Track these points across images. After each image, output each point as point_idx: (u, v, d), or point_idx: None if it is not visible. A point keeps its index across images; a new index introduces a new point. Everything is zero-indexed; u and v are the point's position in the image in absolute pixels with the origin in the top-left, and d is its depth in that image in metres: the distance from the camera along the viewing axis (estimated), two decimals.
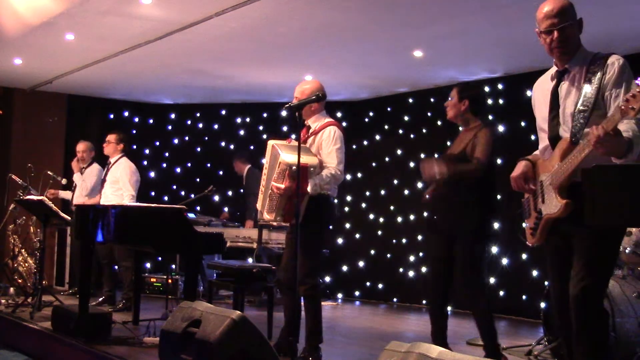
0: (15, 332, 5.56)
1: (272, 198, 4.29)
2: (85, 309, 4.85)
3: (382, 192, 8.42)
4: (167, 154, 9.70)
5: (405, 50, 6.60)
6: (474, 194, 4.20)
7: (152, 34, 6.29)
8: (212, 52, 6.95)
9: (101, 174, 7.00)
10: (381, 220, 8.49)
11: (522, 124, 6.97)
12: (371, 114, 8.78)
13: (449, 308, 5.84)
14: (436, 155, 5.93)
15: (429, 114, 7.98)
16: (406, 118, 8.35)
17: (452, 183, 4.16)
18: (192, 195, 8.37)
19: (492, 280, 7.05)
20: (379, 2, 5.37)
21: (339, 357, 4.81)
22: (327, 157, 4.32)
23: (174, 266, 8.06)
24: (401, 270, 8.11)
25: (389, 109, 8.61)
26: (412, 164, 7.96)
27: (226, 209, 9.22)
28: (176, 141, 9.71)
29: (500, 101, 7.38)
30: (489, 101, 7.47)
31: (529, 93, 7.27)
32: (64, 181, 7.51)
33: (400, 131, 8.37)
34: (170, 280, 7.60)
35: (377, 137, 8.62)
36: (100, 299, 6.68)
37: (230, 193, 9.34)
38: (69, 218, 6.30)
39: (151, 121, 9.80)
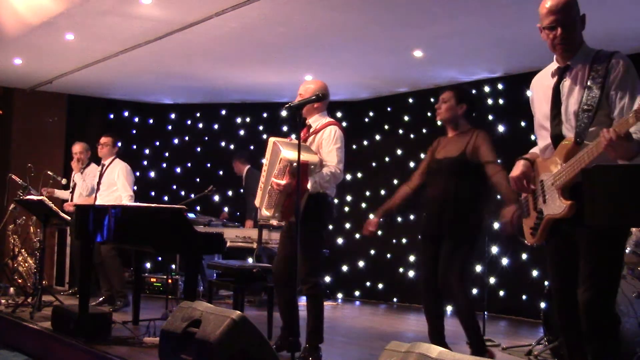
0: (15, 332, 5.55)
1: (271, 194, 4.30)
2: (85, 309, 4.84)
3: (382, 192, 8.41)
4: (167, 154, 9.70)
5: (405, 50, 6.60)
6: (467, 197, 4.21)
7: (152, 34, 6.29)
8: (212, 52, 6.96)
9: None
10: (381, 220, 8.46)
11: (522, 124, 6.97)
12: (371, 114, 8.78)
13: (449, 308, 5.86)
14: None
15: (428, 114, 7.97)
16: (406, 118, 8.35)
17: (449, 185, 4.17)
18: (192, 195, 8.38)
19: (492, 280, 7.05)
20: (379, 2, 5.37)
21: (339, 357, 4.81)
22: (327, 156, 4.33)
23: (174, 266, 8.06)
24: (401, 270, 8.11)
25: (389, 109, 8.61)
26: (412, 164, 7.95)
27: (226, 209, 9.22)
28: (176, 141, 9.71)
29: (500, 101, 7.38)
30: (489, 101, 7.48)
31: (529, 93, 7.28)
32: (63, 181, 7.52)
33: (400, 131, 8.37)
34: (170, 280, 7.60)
35: (377, 137, 8.62)
36: (100, 299, 6.68)
37: (230, 193, 9.34)
38: (69, 218, 6.31)
39: (151, 121, 9.80)
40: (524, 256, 6.90)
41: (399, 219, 8.25)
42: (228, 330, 3.11)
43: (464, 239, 4.18)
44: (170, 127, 9.74)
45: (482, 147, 4.18)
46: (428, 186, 4.42)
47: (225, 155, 9.12)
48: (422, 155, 7.67)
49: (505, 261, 7.07)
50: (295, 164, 3.98)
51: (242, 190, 8.58)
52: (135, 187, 6.93)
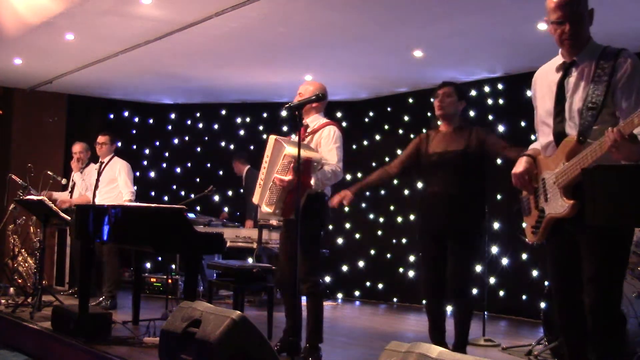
0: (15, 332, 5.55)
1: (272, 190, 4.30)
2: (85, 309, 4.84)
3: (382, 192, 8.42)
4: (167, 154, 9.70)
5: (405, 50, 6.60)
6: (473, 192, 4.21)
7: (152, 34, 6.29)
8: (212, 52, 6.95)
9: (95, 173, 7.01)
10: (381, 220, 8.49)
11: (522, 124, 6.97)
12: (371, 114, 8.78)
13: (449, 308, 5.85)
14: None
15: (428, 114, 7.96)
16: (406, 118, 8.35)
17: (454, 180, 4.16)
18: (192, 195, 8.37)
19: (492, 280, 7.05)
20: (379, 2, 5.36)
21: (339, 357, 4.81)
22: (327, 155, 4.34)
23: (174, 266, 8.06)
24: (401, 270, 8.11)
25: (389, 109, 8.61)
26: None
27: (226, 209, 9.22)
28: (176, 141, 9.71)
29: (500, 101, 7.38)
30: (489, 101, 7.48)
31: (529, 93, 7.28)
32: (63, 181, 7.52)
33: (400, 131, 8.36)
34: (170, 280, 7.59)
35: (377, 137, 8.62)
36: (101, 299, 6.68)
37: (230, 193, 9.34)
38: (69, 218, 6.31)
39: (151, 121, 9.80)
40: (524, 256, 6.90)
41: (399, 219, 8.25)
42: (228, 330, 3.10)
43: (473, 236, 4.19)
44: (170, 127, 9.74)
45: (489, 138, 4.21)
46: (427, 182, 4.39)
47: (225, 155, 9.12)
48: None
49: (505, 261, 7.07)
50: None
51: (242, 190, 8.58)
52: (135, 187, 6.94)
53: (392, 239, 8.28)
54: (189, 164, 9.64)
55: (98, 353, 4.41)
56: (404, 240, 8.16)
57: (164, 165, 9.66)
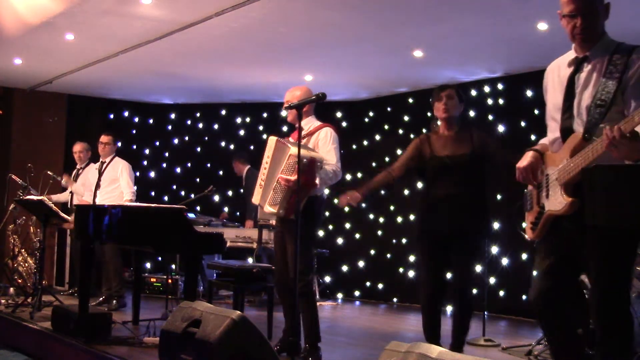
0: (15, 332, 5.55)
1: (276, 190, 4.31)
2: (85, 309, 4.84)
3: (382, 192, 8.41)
4: (167, 154, 9.71)
5: (405, 50, 6.60)
6: (478, 194, 4.23)
7: (152, 34, 6.29)
8: (213, 52, 6.96)
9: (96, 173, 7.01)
10: (381, 220, 8.49)
11: (522, 124, 6.96)
12: (371, 114, 8.78)
13: (449, 308, 5.85)
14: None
15: (428, 114, 7.94)
16: (406, 118, 8.35)
17: (462, 182, 4.18)
18: (192, 195, 8.37)
19: (492, 280, 7.05)
20: (379, 2, 5.37)
21: (339, 357, 4.81)
22: (326, 155, 4.39)
23: (174, 266, 8.06)
24: (401, 270, 8.11)
25: (389, 109, 8.61)
26: None
27: (226, 209, 9.22)
28: (176, 141, 9.71)
29: (500, 101, 7.37)
30: (489, 101, 7.48)
31: (529, 93, 7.31)
32: (63, 181, 7.52)
33: (400, 131, 8.36)
34: (170, 280, 7.60)
35: (377, 137, 8.62)
36: (101, 299, 6.68)
37: (230, 193, 9.34)
38: (69, 218, 6.32)
39: (151, 121, 9.80)
40: (524, 256, 6.89)
41: (399, 219, 8.25)
42: (228, 330, 3.10)
43: (480, 237, 4.23)
44: (170, 127, 9.74)
45: (492, 142, 4.24)
46: (432, 184, 4.36)
47: (225, 155, 9.12)
48: None
49: (505, 261, 7.07)
50: (304, 159, 4.08)
51: (242, 191, 8.58)
52: (135, 187, 6.95)
53: (392, 239, 8.28)
54: (189, 164, 9.64)
55: (98, 353, 4.41)
56: (404, 240, 8.16)
57: (164, 165, 9.66)
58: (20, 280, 7.11)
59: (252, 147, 9.09)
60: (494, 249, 7.04)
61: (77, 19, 5.94)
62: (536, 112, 6.79)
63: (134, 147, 9.57)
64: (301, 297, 4.35)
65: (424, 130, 8.14)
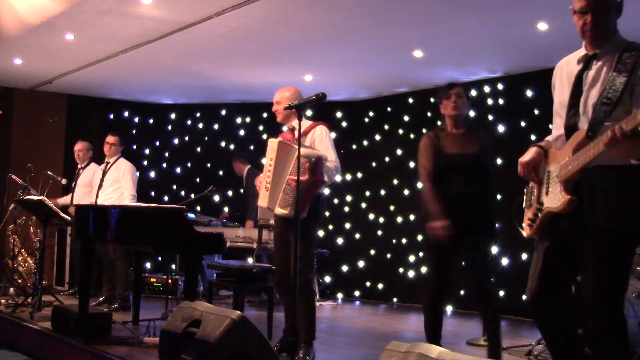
0: (15, 332, 5.55)
1: (287, 192, 4.30)
2: (85, 309, 4.84)
3: (382, 192, 8.42)
4: (167, 154, 9.71)
5: (405, 50, 6.60)
6: (486, 194, 4.26)
7: (152, 34, 6.29)
8: (213, 52, 6.96)
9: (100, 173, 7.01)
10: (381, 220, 8.49)
11: (522, 124, 6.96)
12: (371, 114, 8.78)
13: (449, 308, 5.86)
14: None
15: (428, 114, 7.98)
16: (406, 118, 8.35)
17: (473, 180, 4.18)
18: (192, 195, 8.37)
19: (492, 280, 7.04)
20: (379, 2, 5.37)
21: (338, 357, 4.81)
22: (325, 152, 4.40)
23: (174, 266, 8.06)
24: (401, 270, 8.10)
25: (389, 109, 8.61)
26: (412, 164, 7.95)
27: (226, 209, 9.22)
28: (176, 141, 9.71)
29: (500, 101, 7.37)
30: (489, 101, 7.48)
31: (529, 93, 7.31)
32: (63, 181, 7.52)
33: (400, 131, 8.37)
34: (170, 280, 7.60)
35: (377, 137, 8.62)
36: (101, 299, 6.68)
37: (230, 193, 9.34)
38: (69, 218, 6.31)
39: (151, 121, 9.80)
40: (524, 256, 6.89)
41: (399, 219, 8.25)
42: (228, 330, 3.10)
43: (491, 234, 4.26)
44: (170, 127, 9.74)
45: (493, 144, 4.28)
46: (443, 183, 4.32)
47: (225, 155, 9.12)
48: None
49: (505, 261, 7.07)
50: (313, 159, 4.16)
51: (242, 191, 8.59)
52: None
53: (392, 239, 8.28)
54: (189, 164, 9.64)
55: (98, 353, 4.41)
56: (404, 240, 8.16)
57: (164, 165, 9.66)
58: (20, 280, 7.11)
59: (252, 147, 9.09)
60: (494, 249, 7.03)
61: (77, 19, 5.94)
62: (536, 112, 6.80)
63: (134, 147, 9.56)
64: (300, 295, 4.35)
65: (424, 131, 8.15)
